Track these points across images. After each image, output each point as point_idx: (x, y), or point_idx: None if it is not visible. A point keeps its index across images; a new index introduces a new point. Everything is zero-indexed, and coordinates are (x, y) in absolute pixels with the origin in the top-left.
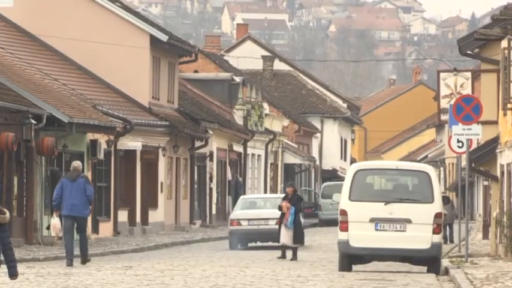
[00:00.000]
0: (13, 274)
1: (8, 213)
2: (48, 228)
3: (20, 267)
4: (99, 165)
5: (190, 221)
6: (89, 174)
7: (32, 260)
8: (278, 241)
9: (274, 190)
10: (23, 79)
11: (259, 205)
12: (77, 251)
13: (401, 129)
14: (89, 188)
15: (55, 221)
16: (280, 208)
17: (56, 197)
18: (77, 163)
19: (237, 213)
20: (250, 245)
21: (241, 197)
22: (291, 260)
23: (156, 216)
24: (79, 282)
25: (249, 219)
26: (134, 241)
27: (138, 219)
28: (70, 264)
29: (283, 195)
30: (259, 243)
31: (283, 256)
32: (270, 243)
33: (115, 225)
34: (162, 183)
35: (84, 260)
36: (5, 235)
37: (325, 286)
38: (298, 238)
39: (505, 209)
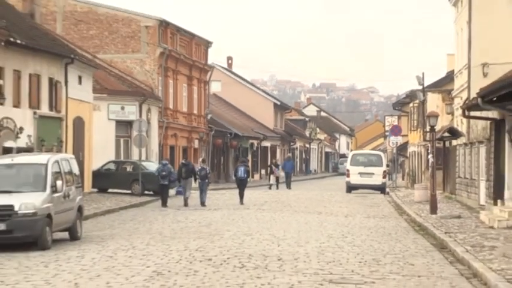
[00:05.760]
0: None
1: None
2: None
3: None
4: (252, 155)
5: None
6: (250, 158)
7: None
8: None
9: (321, 163)
10: (222, 118)
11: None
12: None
13: (370, 138)
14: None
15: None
16: (271, 168)
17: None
18: (288, 155)
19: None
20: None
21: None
22: (276, 189)
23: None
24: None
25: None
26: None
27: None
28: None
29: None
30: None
31: (270, 188)
32: None
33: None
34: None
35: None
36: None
37: (340, 198)
38: (281, 181)
39: (410, 169)
